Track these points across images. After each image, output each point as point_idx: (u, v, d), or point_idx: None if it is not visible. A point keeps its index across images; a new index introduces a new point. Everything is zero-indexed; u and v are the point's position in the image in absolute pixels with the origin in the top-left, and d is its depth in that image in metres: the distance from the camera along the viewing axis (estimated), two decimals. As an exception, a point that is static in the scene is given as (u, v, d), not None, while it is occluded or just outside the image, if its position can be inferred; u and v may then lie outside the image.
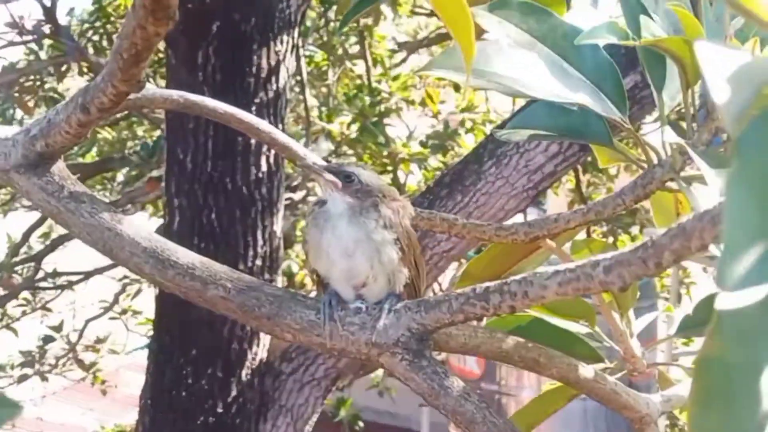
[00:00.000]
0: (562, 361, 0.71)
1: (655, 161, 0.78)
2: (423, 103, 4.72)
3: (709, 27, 0.75)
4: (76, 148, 4.21)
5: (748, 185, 0.28)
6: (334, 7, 4.51)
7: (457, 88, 4.95)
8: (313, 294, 0.89)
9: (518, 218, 4.73)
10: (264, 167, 3.07)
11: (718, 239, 0.46)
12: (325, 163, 0.72)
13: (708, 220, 0.45)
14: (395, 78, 4.40)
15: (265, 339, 3.12)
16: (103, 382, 4.89)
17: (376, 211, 0.71)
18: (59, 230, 4.80)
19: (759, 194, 0.28)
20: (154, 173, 3.89)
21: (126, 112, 4.60)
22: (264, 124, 0.73)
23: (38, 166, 0.66)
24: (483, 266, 0.89)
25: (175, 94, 0.72)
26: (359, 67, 4.99)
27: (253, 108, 3.04)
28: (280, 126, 3.10)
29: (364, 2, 1.05)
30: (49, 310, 4.78)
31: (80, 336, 4.72)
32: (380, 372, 5.29)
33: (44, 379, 4.79)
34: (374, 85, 4.35)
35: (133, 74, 0.58)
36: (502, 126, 3.19)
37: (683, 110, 0.82)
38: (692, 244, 0.47)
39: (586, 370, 0.72)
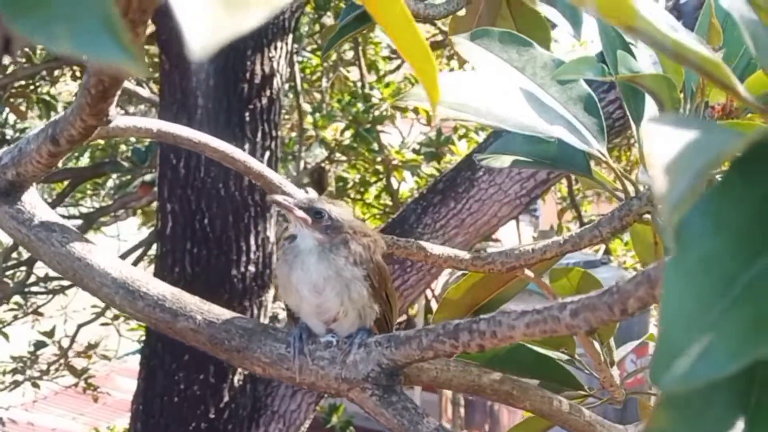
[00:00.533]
0: (536, 394, 0.70)
1: (632, 193, 0.78)
2: (416, 110, 4.72)
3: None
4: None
5: (686, 272, 0.27)
6: (329, 13, 4.51)
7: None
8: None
9: (511, 225, 4.72)
10: (257, 173, 3.06)
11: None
12: (296, 198, 0.72)
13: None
14: (387, 85, 4.39)
15: (255, 346, 3.12)
16: (95, 388, 4.87)
17: (346, 248, 0.71)
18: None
19: (697, 282, 0.27)
20: (147, 178, 3.89)
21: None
22: (238, 153, 0.72)
23: (9, 194, 0.66)
24: (462, 294, 0.88)
25: (149, 123, 0.71)
26: (353, 74, 4.98)
27: (247, 114, 3.04)
28: (274, 132, 3.10)
29: (348, 28, 1.05)
30: (40, 314, 4.76)
31: (72, 341, 4.71)
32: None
33: (35, 386, 4.78)
34: (367, 91, 4.35)
35: (101, 109, 0.58)
36: (483, 147, 3.21)
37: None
38: (657, 292, 0.46)
39: (561, 403, 0.71)
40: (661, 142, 0.29)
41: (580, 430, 0.73)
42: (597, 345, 0.90)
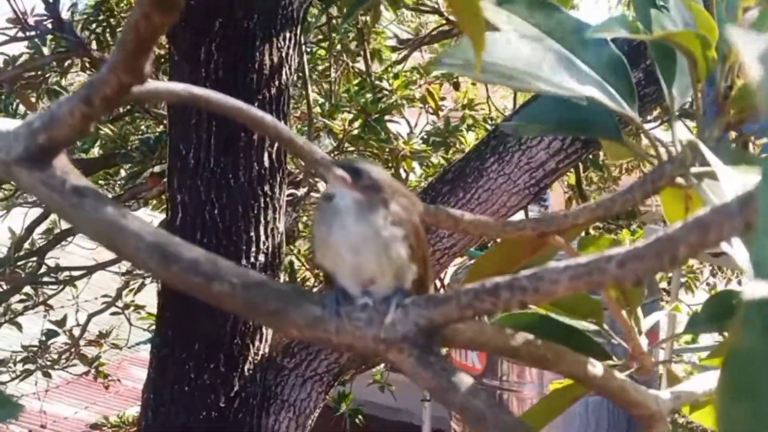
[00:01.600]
0: (570, 358, 0.70)
1: (665, 157, 0.78)
2: (423, 100, 4.71)
3: (721, 21, 0.74)
4: (78, 143, 4.20)
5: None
6: (335, 5, 4.50)
7: (456, 86, 4.94)
8: (315, 289, 0.87)
9: (520, 215, 4.72)
10: (266, 163, 3.07)
11: (737, 232, 0.45)
12: (333, 159, 0.71)
13: (727, 213, 0.44)
14: (396, 76, 4.38)
15: (267, 334, 3.12)
16: (106, 376, 4.88)
17: (385, 208, 0.70)
18: (63, 226, 4.80)
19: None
20: (157, 169, 3.88)
21: (129, 107, 4.59)
22: (269, 118, 0.72)
23: (40, 160, 0.65)
24: (492, 263, 0.88)
25: (180, 87, 0.71)
26: (361, 64, 4.98)
27: (256, 104, 3.04)
28: (283, 122, 3.09)
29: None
30: (50, 306, 4.77)
31: (83, 330, 4.72)
32: (381, 367, 5.29)
33: (47, 375, 4.79)
34: (375, 82, 4.34)
35: (138, 65, 0.57)
36: (507, 121, 3.21)
37: (689, 108, 0.81)
38: (709, 238, 0.46)
39: (596, 367, 0.71)
40: (751, 41, 0.28)
41: (615, 395, 0.73)
42: (624, 313, 0.90)
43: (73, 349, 4.76)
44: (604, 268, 0.53)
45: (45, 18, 4.15)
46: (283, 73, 3.08)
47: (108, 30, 4.42)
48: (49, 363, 4.75)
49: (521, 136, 2.90)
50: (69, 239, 4.59)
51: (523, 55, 0.72)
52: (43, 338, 4.67)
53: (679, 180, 0.77)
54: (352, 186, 0.70)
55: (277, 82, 3.07)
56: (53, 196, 0.66)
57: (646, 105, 2.91)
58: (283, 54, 3.12)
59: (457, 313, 0.61)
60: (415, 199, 0.74)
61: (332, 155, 4.38)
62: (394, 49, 5.04)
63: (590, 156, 4.47)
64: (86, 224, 0.65)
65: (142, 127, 4.77)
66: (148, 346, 3.92)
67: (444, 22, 5.30)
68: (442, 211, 0.82)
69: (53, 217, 4.82)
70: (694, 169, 0.73)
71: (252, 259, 3.03)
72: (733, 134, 0.79)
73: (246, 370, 3.07)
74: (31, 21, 4.09)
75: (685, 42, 0.68)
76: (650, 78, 2.59)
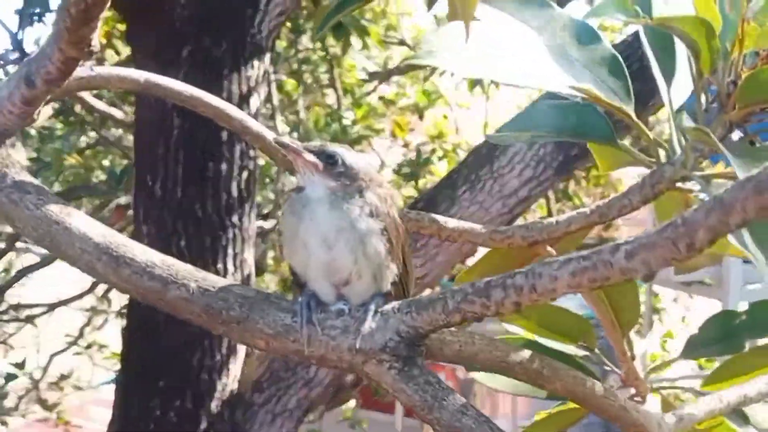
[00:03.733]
0: (567, 374, 0.63)
1: (664, 159, 0.72)
2: (393, 134, 4.69)
3: (724, 10, 0.69)
4: (40, 178, 4.11)
5: None
6: (304, 37, 4.47)
7: (421, 116, 4.92)
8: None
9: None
10: (235, 193, 3.01)
11: (764, 211, 0.39)
12: (303, 144, 0.64)
13: (751, 189, 0.38)
14: (359, 106, 4.36)
15: (235, 369, 3.04)
16: (67, 422, 4.73)
17: (362, 197, 0.63)
18: (22, 263, 4.68)
19: None
20: (122, 201, 3.80)
21: (95, 140, 4.50)
22: (234, 110, 0.65)
23: (-23, 153, 0.58)
24: (475, 277, 0.81)
25: (136, 73, 0.64)
26: (329, 98, 4.95)
27: (224, 133, 2.98)
28: (251, 151, 3.04)
29: (345, 3, 0.98)
30: (10, 347, 4.63)
31: (44, 372, 4.57)
32: (351, 404, 5.19)
33: (3, 424, 4.63)
34: (341, 113, 4.31)
35: (83, 35, 0.51)
36: (479, 150, 3.17)
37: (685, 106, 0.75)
38: (732, 219, 0.40)
39: (595, 385, 0.64)
40: None
41: (615, 416, 0.66)
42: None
43: (33, 393, 4.61)
44: (610, 260, 0.47)
45: (10, 51, 4.08)
46: (252, 102, 3.03)
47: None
48: (8, 408, 4.59)
49: (509, 144, 2.88)
50: (29, 275, 4.47)
51: (516, 48, 0.67)
52: (2, 382, 4.52)
53: (679, 185, 0.71)
54: (324, 173, 0.63)
55: (246, 111, 3.01)
56: (-9, 191, 0.59)
57: (639, 105, 2.90)
58: (252, 83, 3.07)
59: (444, 318, 0.54)
60: (394, 192, 0.68)
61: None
62: (363, 82, 5.01)
63: (560, 186, 4.47)
64: (27, 222, 0.58)
65: (106, 162, 4.69)
66: (111, 387, 3.80)
67: (412, 54, 5.29)
68: (424, 216, 0.76)
69: (8, 256, 4.71)
70: (698, 173, 0.67)
71: (220, 293, 2.95)
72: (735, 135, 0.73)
73: (213, 406, 2.97)
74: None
75: (689, 29, 0.63)
76: (641, 76, 2.56)
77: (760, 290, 3.85)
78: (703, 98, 0.72)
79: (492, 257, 0.83)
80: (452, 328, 0.59)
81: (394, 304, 0.59)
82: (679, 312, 6.19)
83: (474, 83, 4.90)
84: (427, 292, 3.73)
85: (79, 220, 0.58)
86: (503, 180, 3.02)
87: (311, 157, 0.64)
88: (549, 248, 0.75)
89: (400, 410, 4.32)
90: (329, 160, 0.64)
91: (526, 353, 0.62)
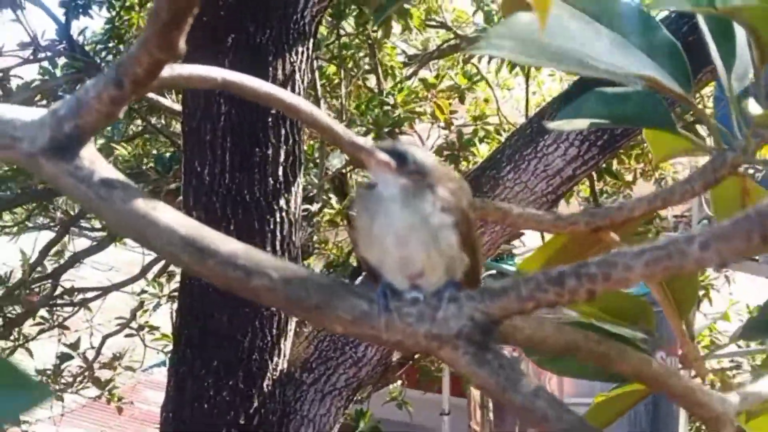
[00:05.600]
0: (634, 355, 0.65)
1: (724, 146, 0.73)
2: (434, 115, 4.68)
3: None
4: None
5: None
6: (345, 21, 4.49)
7: (462, 99, 4.91)
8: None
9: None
10: (281, 178, 3.05)
11: None
12: (375, 144, 0.67)
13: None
14: (400, 90, 4.36)
15: (285, 349, 3.09)
16: (120, 399, 4.84)
17: (433, 194, 0.65)
18: (74, 248, 4.77)
19: None
20: (172, 187, 3.86)
21: (142, 127, 4.57)
22: (305, 104, 0.68)
23: (67, 150, 0.61)
24: (539, 266, 0.83)
25: (214, 72, 0.67)
26: (371, 81, 4.96)
27: (270, 118, 3.02)
28: (296, 136, 3.07)
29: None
30: (66, 327, 4.73)
31: (97, 353, 4.68)
32: (398, 384, 5.24)
33: (60, 399, 4.74)
34: (382, 98, 4.32)
35: (172, 39, 0.53)
36: (522, 130, 3.17)
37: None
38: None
39: (660, 366, 0.66)
40: None
41: (680, 395, 0.68)
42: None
43: (87, 373, 4.71)
44: (685, 250, 0.49)
45: (56, 41, 4.15)
46: (296, 87, 3.06)
47: (118, 56, 4.42)
48: (62, 386, 4.70)
49: (562, 132, 2.88)
50: (83, 261, 4.56)
51: (575, 35, 0.68)
52: (57, 362, 4.62)
53: (740, 170, 0.72)
54: (397, 171, 0.66)
55: (290, 97, 3.04)
56: (80, 187, 0.62)
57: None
58: (295, 68, 3.10)
59: (517, 305, 0.57)
60: (464, 184, 0.69)
61: (346, 170, 4.35)
62: (403, 65, 5.01)
63: (603, 164, 4.45)
64: (115, 217, 0.61)
65: (154, 151, 4.75)
66: (162, 369, 3.87)
67: (452, 36, 5.28)
68: (489, 203, 0.78)
69: (64, 239, 4.80)
70: (761, 157, 0.68)
71: (269, 275, 2.99)
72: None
73: (265, 386, 3.03)
74: (42, 44, 4.09)
75: (752, 19, 0.64)
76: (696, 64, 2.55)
77: (811, 267, 3.81)
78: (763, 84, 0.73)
79: (555, 243, 0.85)
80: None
81: (468, 291, 0.61)
82: (724, 288, 6.11)
83: (514, 65, 4.87)
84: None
85: (164, 213, 0.61)
86: (548, 159, 3.02)
87: (384, 157, 0.66)
88: (612, 234, 0.76)
89: (447, 390, 4.35)
90: (401, 160, 0.66)
91: (594, 336, 0.64)
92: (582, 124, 0.81)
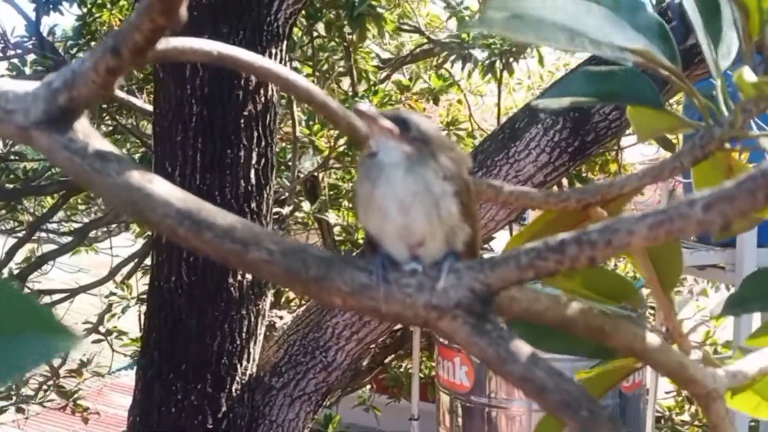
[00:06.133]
0: (628, 330, 0.66)
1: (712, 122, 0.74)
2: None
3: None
4: (58, 168, 4.13)
5: None
6: (320, 24, 4.49)
7: (436, 101, 4.94)
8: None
9: (504, 232, 4.70)
10: (253, 180, 3.03)
11: None
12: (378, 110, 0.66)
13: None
14: (375, 93, 4.37)
15: (255, 353, 3.07)
16: (85, 409, 4.77)
17: (435, 162, 0.65)
18: (41, 251, 4.71)
19: None
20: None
21: (111, 128, 4.52)
22: (301, 80, 0.67)
23: (61, 122, 0.61)
24: (525, 240, 0.83)
25: (208, 45, 0.66)
26: (344, 83, 4.96)
27: (242, 120, 3.00)
28: (269, 138, 3.05)
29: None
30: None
31: (63, 361, 4.61)
32: (367, 389, 5.23)
33: (21, 411, 4.67)
34: (357, 99, 4.32)
35: (174, 3, 0.53)
36: (494, 135, 3.19)
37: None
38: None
39: (653, 340, 0.67)
40: None
41: (672, 371, 0.68)
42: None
43: (52, 381, 4.64)
44: (687, 213, 0.49)
45: (26, 38, 4.11)
46: (269, 89, 3.05)
47: (88, 53, 4.37)
48: (23, 398, 4.62)
49: (525, 130, 2.91)
50: (50, 263, 4.51)
51: (567, 11, 0.69)
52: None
53: (727, 145, 0.73)
54: (400, 138, 0.65)
55: (263, 98, 3.03)
56: (74, 160, 0.61)
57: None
58: (269, 70, 3.08)
59: (517, 275, 0.57)
60: (465, 154, 0.70)
61: (318, 173, 4.35)
62: (377, 69, 5.03)
63: (574, 172, 4.49)
64: (110, 190, 0.60)
65: (125, 149, 4.71)
66: (129, 372, 3.83)
67: (425, 41, 5.31)
68: (482, 182, 0.78)
69: (30, 244, 4.74)
70: (750, 132, 0.69)
71: (239, 277, 2.98)
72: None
73: (234, 390, 3.01)
74: (12, 41, 4.05)
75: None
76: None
77: (775, 272, 3.86)
78: (750, 61, 0.74)
79: (538, 223, 0.86)
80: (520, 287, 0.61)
81: (467, 262, 0.61)
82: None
83: (487, 70, 4.91)
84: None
85: (161, 185, 0.60)
86: (519, 165, 3.04)
87: (388, 123, 0.65)
88: (601, 210, 0.77)
89: (416, 395, 4.35)
90: (404, 126, 0.66)
91: (590, 310, 0.64)
92: (564, 102, 0.82)
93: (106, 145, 0.61)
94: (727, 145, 0.72)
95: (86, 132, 0.61)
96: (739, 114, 0.69)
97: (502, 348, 0.57)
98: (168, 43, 0.61)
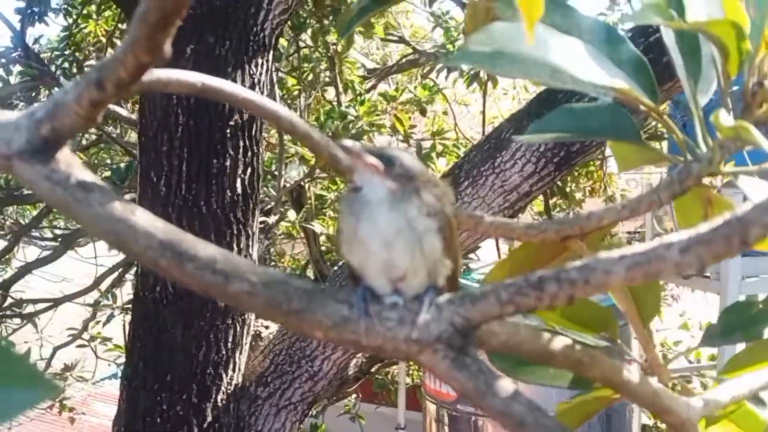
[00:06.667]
0: (605, 362, 0.66)
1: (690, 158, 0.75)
2: (393, 128, 4.71)
3: (747, 11, 0.72)
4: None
5: None
6: (304, 34, 4.50)
7: (423, 112, 4.96)
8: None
9: (490, 241, 4.71)
10: (239, 190, 3.02)
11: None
12: (363, 146, 0.67)
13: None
14: (362, 103, 4.39)
15: (240, 363, 3.06)
16: (71, 409, 4.76)
17: (418, 198, 0.66)
18: (24, 257, 4.68)
19: None
20: (127, 197, 3.81)
21: (97, 136, 4.51)
22: (284, 111, 0.68)
23: (43, 153, 0.61)
24: (505, 274, 0.84)
25: (192, 77, 0.66)
26: (329, 94, 4.97)
27: (228, 130, 3.00)
28: (255, 148, 3.05)
29: (367, 8, 1.01)
30: (12, 344, 4.63)
31: (48, 365, 4.59)
32: (352, 398, 5.23)
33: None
34: (343, 109, 4.33)
35: (158, 42, 0.53)
36: (480, 145, 3.20)
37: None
38: (785, 217, 0.43)
39: (631, 372, 0.67)
40: None
41: (648, 401, 0.69)
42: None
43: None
44: (664, 255, 0.50)
45: (11, 48, 4.10)
46: (256, 99, 3.04)
47: (75, 64, 4.38)
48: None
49: (511, 141, 2.93)
50: (33, 272, 4.49)
51: (550, 46, 0.69)
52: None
53: (705, 181, 0.74)
54: (385, 174, 0.66)
55: (249, 108, 3.02)
56: (56, 191, 0.61)
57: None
58: (255, 80, 3.08)
59: (497, 310, 0.57)
60: (448, 189, 0.70)
61: (304, 182, 4.35)
62: (362, 79, 5.04)
63: (559, 181, 4.52)
64: (92, 221, 0.61)
65: (110, 159, 4.70)
66: (114, 382, 3.82)
67: (410, 51, 5.32)
68: (462, 212, 0.79)
69: (14, 250, 4.71)
70: (727, 168, 0.70)
71: (225, 288, 2.97)
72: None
73: (219, 400, 3.00)
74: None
75: (720, 32, 0.66)
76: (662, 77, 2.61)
77: (759, 283, 3.90)
78: (728, 99, 0.75)
79: (522, 252, 0.86)
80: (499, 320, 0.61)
81: (448, 296, 0.61)
82: (675, 306, 6.25)
83: (471, 80, 4.93)
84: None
85: (142, 217, 0.61)
86: (505, 175, 3.05)
87: (373, 160, 0.66)
88: (580, 242, 0.78)
89: (403, 404, 4.35)
90: (388, 163, 0.66)
91: (568, 342, 0.65)
92: (548, 137, 0.83)
93: (88, 176, 0.62)
94: (705, 181, 0.73)
95: (68, 162, 0.62)
96: (717, 151, 0.70)
97: (481, 382, 0.57)
98: (152, 74, 0.62)
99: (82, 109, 0.59)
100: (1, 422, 0.34)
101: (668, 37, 0.80)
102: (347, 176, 0.69)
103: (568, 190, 5.06)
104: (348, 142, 0.64)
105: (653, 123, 4.57)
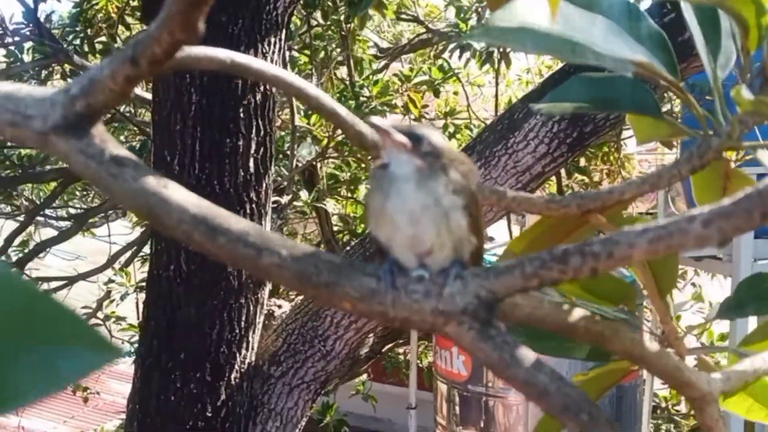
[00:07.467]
0: (626, 336, 0.68)
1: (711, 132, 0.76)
2: (406, 108, 4.71)
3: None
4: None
5: None
6: (318, 12, 4.49)
7: (436, 93, 4.96)
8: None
9: (502, 223, 4.71)
10: (252, 169, 3.03)
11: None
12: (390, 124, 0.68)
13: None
14: (376, 83, 4.38)
15: (253, 341, 3.09)
16: (85, 389, 4.80)
17: (445, 175, 0.67)
18: (39, 237, 4.71)
19: None
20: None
21: (109, 115, 4.52)
22: (312, 88, 0.69)
23: (78, 128, 0.62)
24: (524, 247, 0.85)
25: (222, 54, 0.68)
26: (342, 71, 4.97)
27: (241, 110, 3.01)
28: (268, 128, 3.06)
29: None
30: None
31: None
32: (364, 377, 5.26)
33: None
34: (356, 90, 4.33)
35: (193, 19, 0.54)
36: (492, 126, 3.20)
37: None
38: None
39: (652, 345, 0.69)
40: None
41: (669, 375, 0.70)
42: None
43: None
44: (686, 228, 0.51)
45: (24, 25, 4.10)
46: (269, 78, 3.05)
47: (86, 41, 4.38)
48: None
49: (524, 121, 2.92)
50: (47, 250, 4.52)
51: (572, 22, 0.70)
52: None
53: (725, 155, 0.75)
54: (412, 152, 0.67)
55: (262, 88, 3.04)
56: (91, 165, 0.63)
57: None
58: (268, 59, 3.08)
59: (521, 283, 0.59)
60: (474, 167, 0.71)
61: (316, 162, 4.36)
62: (375, 58, 5.04)
63: (573, 161, 4.51)
64: (126, 195, 0.62)
65: (122, 138, 4.72)
66: (128, 360, 3.85)
67: (423, 30, 5.31)
68: (485, 187, 0.80)
69: (29, 229, 4.75)
70: (746, 143, 0.71)
71: (238, 267, 3.00)
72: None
73: (232, 379, 3.03)
74: (9, 28, 4.04)
75: (740, 7, 0.66)
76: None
77: (771, 265, 3.90)
78: (747, 74, 0.76)
79: (539, 226, 0.88)
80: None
81: (473, 269, 0.63)
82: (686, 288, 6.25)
83: (484, 61, 4.92)
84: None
85: (176, 191, 0.62)
86: (517, 156, 3.05)
87: (401, 137, 0.67)
88: (599, 216, 0.79)
89: (414, 384, 4.38)
90: (416, 141, 0.68)
91: (590, 316, 0.66)
92: (567, 107, 0.84)
93: (122, 151, 0.63)
94: (725, 155, 0.74)
95: (103, 137, 0.63)
96: (736, 125, 0.71)
97: (506, 353, 0.59)
98: (184, 51, 0.63)
99: (117, 85, 0.60)
100: (73, 382, 0.36)
101: (688, 12, 0.81)
102: (374, 153, 0.70)
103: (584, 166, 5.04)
104: (376, 119, 0.65)
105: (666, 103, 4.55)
